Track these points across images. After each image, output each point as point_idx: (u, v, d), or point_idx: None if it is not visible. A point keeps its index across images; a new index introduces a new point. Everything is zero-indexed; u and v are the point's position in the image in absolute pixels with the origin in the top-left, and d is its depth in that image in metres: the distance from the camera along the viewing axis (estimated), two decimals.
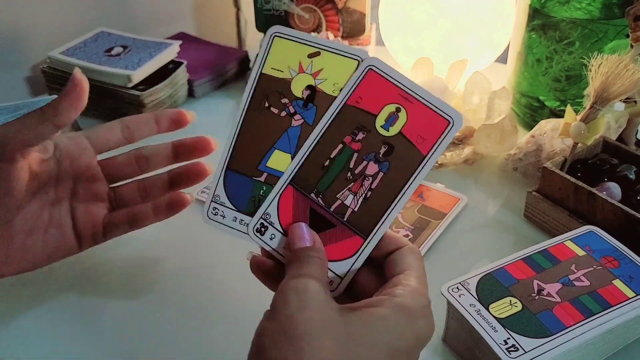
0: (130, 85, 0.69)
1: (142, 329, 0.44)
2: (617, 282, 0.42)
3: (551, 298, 0.40)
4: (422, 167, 0.33)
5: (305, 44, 0.37)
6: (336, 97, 0.35)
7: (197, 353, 0.43)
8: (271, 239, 0.35)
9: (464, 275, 0.42)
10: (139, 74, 0.69)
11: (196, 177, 0.46)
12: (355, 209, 0.34)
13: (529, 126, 0.66)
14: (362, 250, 0.34)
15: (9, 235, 0.40)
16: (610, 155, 0.57)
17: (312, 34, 0.76)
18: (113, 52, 0.73)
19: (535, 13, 0.64)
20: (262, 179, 0.37)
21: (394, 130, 0.34)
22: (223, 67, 0.81)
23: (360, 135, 0.34)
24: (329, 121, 0.35)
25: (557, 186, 0.53)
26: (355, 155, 0.34)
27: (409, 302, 0.31)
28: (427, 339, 0.31)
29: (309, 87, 0.36)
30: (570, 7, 0.62)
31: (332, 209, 0.34)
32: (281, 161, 0.36)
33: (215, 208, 0.37)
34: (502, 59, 0.77)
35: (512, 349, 0.37)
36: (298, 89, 0.37)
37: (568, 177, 0.51)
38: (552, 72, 0.65)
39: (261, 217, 0.35)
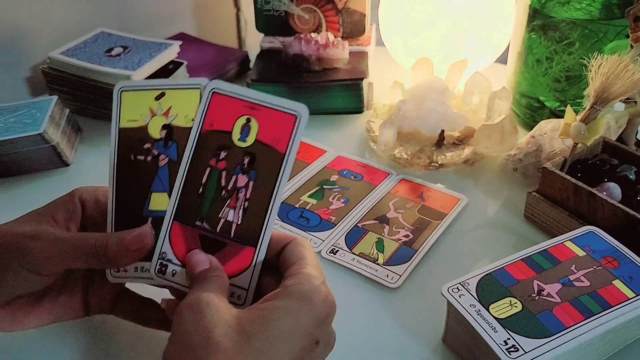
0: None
1: (136, 327, 0.44)
2: (617, 283, 0.42)
3: (551, 298, 0.40)
4: (286, 164, 0.35)
5: (149, 89, 0.39)
6: (191, 127, 0.37)
7: None
8: (173, 275, 0.36)
9: (464, 275, 0.42)
10: (139, 74, 0.69)
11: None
12: (239, 222, 0.35)
13: (529, 127, 0.66)
14: (256, 258, 0.35)
15: (11, 311, 0.38)
16: (610, 155, 0.57)
17: (312, 34, 0.76)
18: (113, 53, 0.73)
19: (535, 13, 0.64)
20: (149, 224, 0.38)
21: (250, 139, 0.36)
22: (223, 68, 0.81)
23: (222, 154, 0.36)
24: (191, 152, 0.37)
25: (557, 187, 0.53)
26: (224, 173, 0.36)
27: (300, 286, 0.32)
28: (327, 315, 0.33)
29: (164, 126, 0.39)
30: (570, 7, 0.62)
31: (218, 230, 0.36)
32: (161, 202, 0.38)
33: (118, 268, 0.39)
34: (502, 59, 0.77)
35: (512, 349, 0.37)
36: (155, 131, 0.39)
37: (568, 177, 0.52)
38: (552, 73, 0.65)
39: (158, 258, 0.36)
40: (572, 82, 0.64)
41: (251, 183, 0.35)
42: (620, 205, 0.48)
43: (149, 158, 0.39)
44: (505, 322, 0.38)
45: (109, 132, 0.40)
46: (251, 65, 0.81)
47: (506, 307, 0.40)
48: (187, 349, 0.29)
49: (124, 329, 0.44)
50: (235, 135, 0.36)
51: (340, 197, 0.59)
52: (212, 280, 0.34)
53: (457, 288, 0.41)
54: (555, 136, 0.58)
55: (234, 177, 0.36)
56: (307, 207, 0.58)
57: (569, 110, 0.54)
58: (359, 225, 0.55)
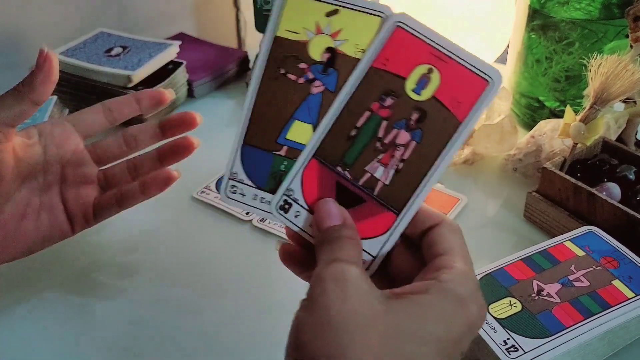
0: (130, 85, 0.69)
1: (136, 325, 0.44)
2: (617, 283, 0.42)
3: (551, 298, 0.40)
4: (460, 134, 0.30)
5: (322, 1, 0.33)
6: (360, 59, 0.32)
7: (192, 348, 0.43)
8: (296, 216, 0.32)
9: None
10: (139, 75, 0.69)
11: (184, 151, 0.45)
12: (387, 182, 0.31)
13: (529, 126, 0.66)
14: (396, 227, 0.31)
15: (1, 223, 0.40)
16: (610, 155, 0.57)
17: None
18: (113, 53, 0.73)
19: (534, 13, 0.64)
20: (283, 152, 0.34)
21: (426, 94, 0.30)
22: (223, 68, 0.81)
23: (388, 101, 0.31)
24: (354, 86, 0.32)
25: (557, 187, 0.53)
26: (385, 123, 0.31)
27: (458, 286, 0.28)
28: (479, 326, 0.29)
29: (329, 49, 0.33)
30: (570, 7, 0.62)
31: (360, 183, 0.31)
32: (302, 133, 0.33)
33: (234, 186, 0.35)
34: (502, 59, 0.77)
35: (511, 349, 0.37)
36: (316, 52, 0.33)
37: (568, 177, 0.51)
38: (551, 73, 0.65)
39: (284, 194, 0.33)
40: (572, 82, 0.64)
41: (413, 143, 0.30)
42: (619, 205, 0.48)
43: (302, 80, 0.33)
44: (505, 322, 0.38)
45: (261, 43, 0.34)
46: (251, 65, 0.81)
47: (506, 307, 0.40)
48: (329, 327, 0.26)
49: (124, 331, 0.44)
50: (410, 84, 0.31)
51: None
52: (347, 243, 0.30)
53: None
54: (555, 136, 0.58)
55: (394, 131, 0.31)
56: None
57: (568, 110, 0.54)
58: None
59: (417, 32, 0.31)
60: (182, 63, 0.75)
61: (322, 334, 0.26)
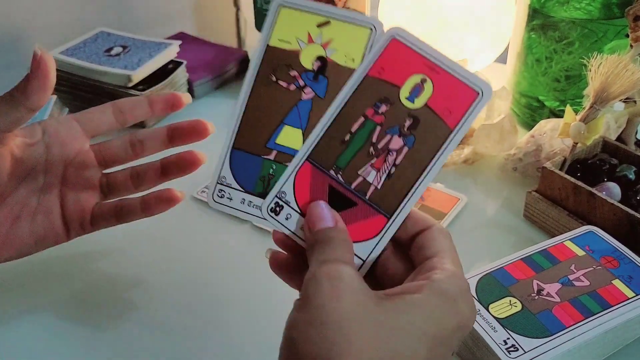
0: (130, 85, 0.69)
1: (136, 328, 0.44)
2: (617, 282, 0.42)
3: (551, 298, 0.40)
4: (450, 142, 0.31)
5: (314, 13, 0.34)
6: (350, 68, 0.33)
7: (188, 346, 0.43)
8: (287, 219, 0.33)
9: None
10: (139, 74, 0.69)
11: (189, 166, 0.44)
12: (379, 187, 0.32)
13: (529, 126, 0.66)
14: (386, 231, 0.31)
15: None
16: (610, 155, 0.57)
17: None
18: (113, 52, 0.73)
19: (534, 13, 0.64)
20: (272, 157, 0.34)
21: (419, 102, 0.32)
22: (223, 67, 0.81)
23: (383, 108, 0.32)
24: (350, 93, 0.32)
25: (557, 186, 0.53)
26: (378, 128, 0.32)
27: (449, 286, 0.29)
28: (469, 325, 0.29)
29: (320, 58, 0.34)
30: (570, 7, 0.62)
31: (353, 187, 0.32)
32: (291, 137, 0.34)
33: (222, 190, 0.35)
34: (502, 59, 0.77)
35: (511, 349, 0.37)
36: (308, 60, 0.34)
37: (568, 177, 0.52)
38: (551, 72, 0.65)
39: (276, 196, 0.33)
40: (572, 82, 0.64)
41: (405, 149, 0.31)
42: (619, 204, 0.48)
43: (292, 87, 0.35)
44: (505, 322, 0.38)
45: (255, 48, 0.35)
46: None
47: (506, 306, 0.40)
48: (323, 325, 0.26)
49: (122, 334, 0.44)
50: (404, 92, 0.32)
51: None
52: (339, 244, 0.30)
53: None
54: (555, 136, 0.58)
55: (387, 136, 0.32)
56: None
57: (568, 109, 0.54)
58: None
59: (412, 44, 0.32)
60: (182, 62, 0.75)
61: (316, 333, 0.26)
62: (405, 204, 0.31)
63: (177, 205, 0.57)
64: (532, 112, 0.69)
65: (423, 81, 0.32)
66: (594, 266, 0.43)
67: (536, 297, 0.40)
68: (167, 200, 0.44)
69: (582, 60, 0.52)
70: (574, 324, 0.38)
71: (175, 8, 0.95)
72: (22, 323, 0.45)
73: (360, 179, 0.32)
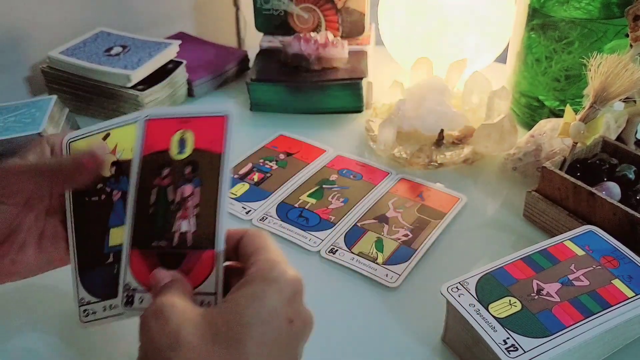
0: (130, 85, 0.69)
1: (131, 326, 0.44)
2: (617, 282, 0.42)
3: (550, 298, 0.40)
4: (226, 162, 0.36)
5: (95, 133, 0.41)
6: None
7: None
8: (141, 302, 0.36)
9: (464, 275, 0.42)
10: (139, 74, 0.69)
11: None
12: (194, 230, 0.36)
13: (529, 126, 0.66)
14: (218, 259, 0.35)
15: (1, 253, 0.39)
16: (610, 155, 0.57)
17: (312, 33, 0.76)
18: (112, 52, 0.73)
19: (534, 13, 0.64)
20: (111, 259, 0.39)
21: (188, 150, 0.37)
22: (222, 67, 0.81)
23: (165, 171, 0.37)
24: (136, 178, 0.37)
25: (557, 186, 0.53)
26: (170, 189, 0.37)
27: (262, 271, 0.32)
28: (295, 292, 0.32)
29: (113, 163, 0.40)
30: (570, 6, 0.62)
31: (175, 244, 0.36)
32: (120, 236, 0.38)
33: (85, 310, 0.39)
34: (502, 58, 0.77)
35: (511, 348, 0.37)
36: (106, 171, 0.40)
37: (567, 176, 0.52)
38: (551, 72, 0.65)
39: (123, 291, 0.36)
40: (572, 82, 0.64)
41: (197, 190, 0.36)
42: (619, 204, 0.48)
43: (103, 197, 0.40)
44: (505, 322, 0.38)
45: None
46: (250, 64, 0.81)
47: (505, 306, 0.40)
48: (155, 352, 0.29)
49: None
50: (174, 150, 0.37)
51: (339, 196, 0.59)
52: (173, 286, 0.33)
53: (457, 287, 0.41)
54: (555, 135, 0.58)
55: (180, 190, 0.36)
56: (306, 207, 0.58)
57: (568, 109, 0.54)
58: (358, 224, 0.55)
59: (161, 114, 0.38)
60: (182, 62, 0.75)
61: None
62: (219, 228, 0.35)
63: None
64: (532, 111, 0.69)
65: (183, 134, 0.37)
66: (594, 266, 0.43)
67: (536, 297, 0.40)
68: None
69: (582, 60, 0.52)
70: (573, 324, 0.38)
71: (175, 8, 0.95)
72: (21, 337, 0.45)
73: (178, 234, 0.36)
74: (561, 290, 0.41)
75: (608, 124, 0.58)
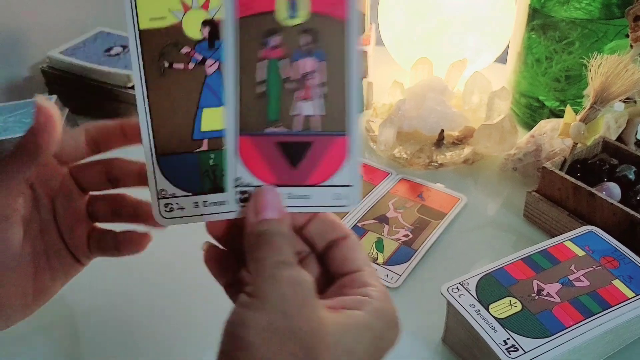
0: (130, 85, 0.69)
1: (130, 326, 0.44)
2: (617, 282, 0.42)
3: (551, 298, 0.40)
4: (351, 31, 0.29)
5: None
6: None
7: (185, 350, 0.43)
8: None
9: (464, 275, 0.42)
10: None
11: (136, 242, 0.38)
12: (321, 113, 0.30)
13: (529, 126, 0.66)
14: (352, 146, 0.30)
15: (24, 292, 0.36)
16: (610, 155, 0.57)
17: None
18: (112, 52, 0.73)
19: (535, 13, 0.64)
20: (205, 147, 0.31)
21: (302, 13, 0.29)
22: None
23: (274, 40, 0.29)
24: (234, 47, 0.29)
25: (557, 186, 0.53)
26: (283, 62, 0.30)
27: (385, 306, 0.29)
28: (396, 343, 0.30)
29: (206, 22, 0.30)
30: (570, 7, 0.62)
31: (298, 129, 0.30)
32: (215, 119, 0.31)
33: (168, 204, 0.32)
34: (502, 59, 0.77)
35: (511, 349, 0.37)
36: (194, 30, 0.30)
37: (568, 177, 0.51)
38: (551, 72, 0.65)
39: (235, 187, 0.31)
40: (572, 82, 0.64)
41: (321, 64, 0.30)
42: (619, 205, 0.48)
43: (191, 65, 0.31)
44: (505, 322, 0.38)
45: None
46: None
47: (506, 307, 0.40)
48: (285, 338, 0.26)
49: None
50: (281, 13, 0.29)
51: None
52: (289, 243, 0.29)
53: (457, 288, 0.41)
54: (555, 136, 0.58)
55: (297, 63, 0.30)
56: None
57: (568, 110, 0.54)
58: (359, 225, 0.55)
59: None
60: None
61: (275, 340, 0.26)
62: (352, 110, 0.30)
63: None
64: (532, 112, 0.69)
65: None
66: (594, 266, 0.43)
67: (536, 298, 0.40)
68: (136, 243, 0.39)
69: (582, 60, 0.52)
70: (574, 324, 0.38)
71: None
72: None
73: (299, 118, 0.30)
74: (561, 290, 0.41)
75: (608, 124, 0.58)
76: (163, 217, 0.32)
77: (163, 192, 0.32)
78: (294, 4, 0.29)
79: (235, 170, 0.30)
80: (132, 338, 0.44)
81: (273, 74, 0.30)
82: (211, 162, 0.31)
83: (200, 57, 0.31)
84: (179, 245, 0.53)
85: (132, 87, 0.68)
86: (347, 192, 0.31)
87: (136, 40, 0.30)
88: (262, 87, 0.30)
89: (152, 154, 0.31)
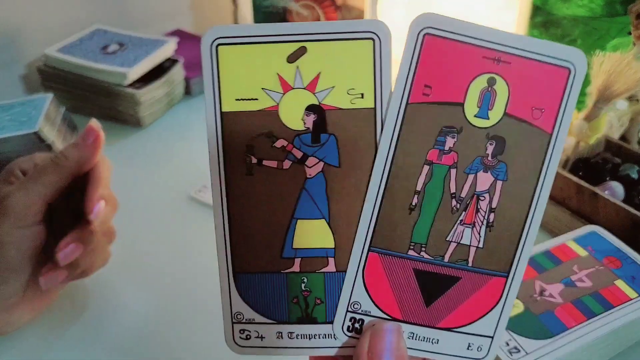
0: (126, 83, 0.68)
1: (131, 325, 0.44)
2: (620, 283, 0.41)
3: (553, 299, 0.40)
4: (553, 149, 0.23)
5: (277, 42, 0.23)
6: (362, 108, 0.23)
7: (185, 344, 0.42)
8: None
9: None
10: (135, 72, 0.69)
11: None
12: (480, 245, 0.25)
13: None
14: (508, 292, 0.25)
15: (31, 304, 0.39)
16: (613, 154, 0.56)
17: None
18: (109, 50, 0.72)
19: (537, 10, 0.63)
20: (296, 268, 0.25)
21: (496, 114, 0.23)
22: None
23: (449, 141, 0.23)
24: (393, 140, 0.23)
25: (559, 185, 0.52)
26: (453, 172, 0.24)
27: None
28: None
29: (311, 107, 0.24)
30: (572, 4, 0.62)
31: (447, 259, 0.25)
32: (313, 234, 0.25)
33: (243, 330, 0.26)
34: None
35: (513, 350, 0.36)
36: (295, 117, 0.24)
37: (570, 176, 0.51)
38: None
39: (347, 311, 0.25)
40: None
41: (499, 183, 0.24)
42: (623, 204, 0.48)
43: (287, 163, 0.24)
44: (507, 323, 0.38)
45: (203, 120, 0.25)
46: None
47: None
48: None
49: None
50: (471, 108, 0.23)
51: None
52: None
53: None
54: None
55: (469, 177, 0.24)
56: None
57: None
58: None
59: (457, 33, 0.23)
60: (179, 60, 0.74)
61: None
62: (522, 250, 0.24)
63: (175, 205, 0.56)
64: None
65: (491, 83, 0.23)
66: (597, 266, 0.42)
67: (538, 298, 0.40)
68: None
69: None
70: (576, 325, 0.38)
71: (173, 5, 0.94)
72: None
73: (453, 246, 0.25)
74: (564, 291, 0.40)
75: (611, 122, 0.57)
76: (237, 344, 0.26)
77: (239, 316, 0.26)
78: (488, 100, 0.23)
79: (352, 293, 0.25)
80: (141, 342, 0.43)
81: (435, 185, 0.24)
82: (303, 286, 0.26)
83: (300, 154, 0.24)
84: (191, 246, 0.53)
85: (129, 86, 0.68)
86: (481, 342, 0.25)
87: (216, 125, 0.24)
88: (415, 199, 0.24)
89: (228, 270, 0.26)
